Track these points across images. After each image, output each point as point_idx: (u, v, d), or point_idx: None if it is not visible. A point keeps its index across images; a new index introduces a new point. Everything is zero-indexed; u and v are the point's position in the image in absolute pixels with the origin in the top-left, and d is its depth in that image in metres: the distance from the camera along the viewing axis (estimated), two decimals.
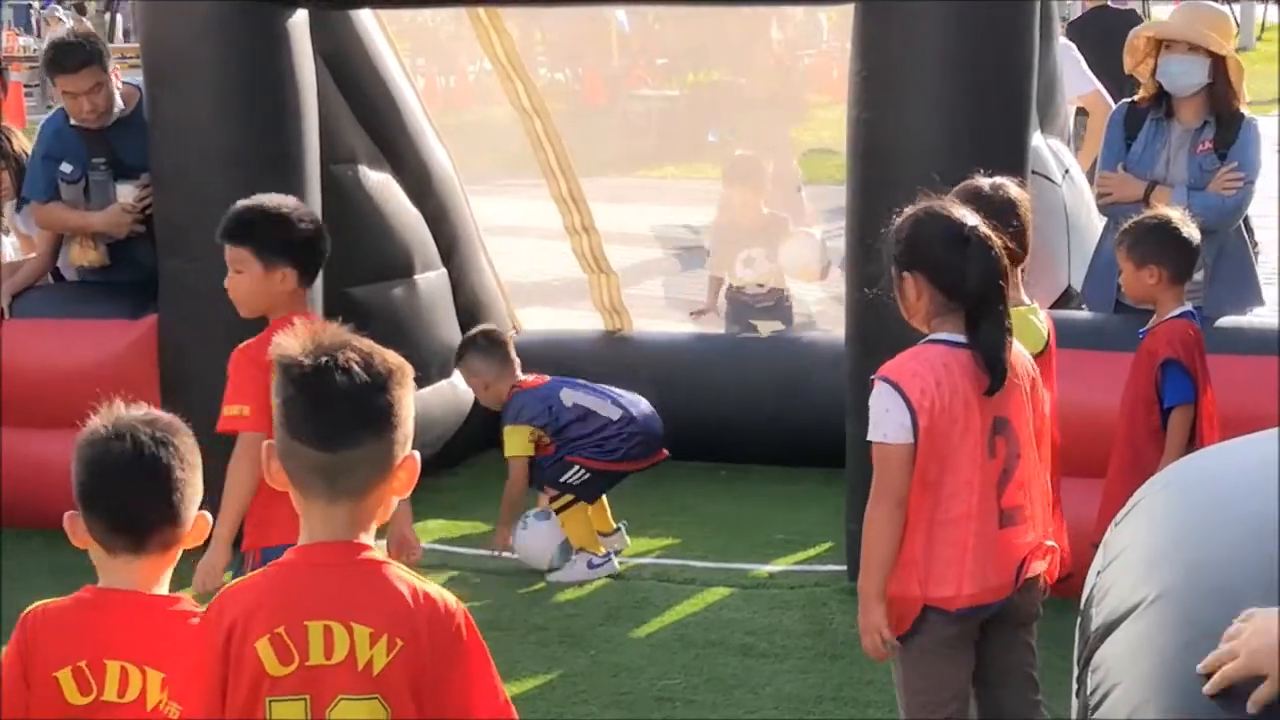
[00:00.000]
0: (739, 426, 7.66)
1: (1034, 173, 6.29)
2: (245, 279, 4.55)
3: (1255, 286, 6.40)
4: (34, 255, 7.32)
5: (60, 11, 24.91)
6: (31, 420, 6.82)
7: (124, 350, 6.80)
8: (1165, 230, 5.13)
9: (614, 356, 7.84)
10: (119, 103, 6.91)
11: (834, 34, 20.40)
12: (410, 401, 2.76)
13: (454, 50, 18.36)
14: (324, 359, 2.67)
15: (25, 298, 7.07)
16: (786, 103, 16.25)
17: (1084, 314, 6.42)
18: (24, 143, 7.50)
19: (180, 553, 3.03)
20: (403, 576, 2.72)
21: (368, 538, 2.74)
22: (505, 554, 6.55)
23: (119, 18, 25.72)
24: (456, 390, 7.37)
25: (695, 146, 16.69)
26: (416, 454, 2.77)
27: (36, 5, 27.35)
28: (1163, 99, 6.31)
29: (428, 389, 7.40)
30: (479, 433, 7.58)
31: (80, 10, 25.51)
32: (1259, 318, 6.29)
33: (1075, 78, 8.24)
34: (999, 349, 3.92)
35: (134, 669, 2.90)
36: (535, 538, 6.46)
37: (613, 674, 5.50)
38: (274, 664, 2.64)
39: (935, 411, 3.87)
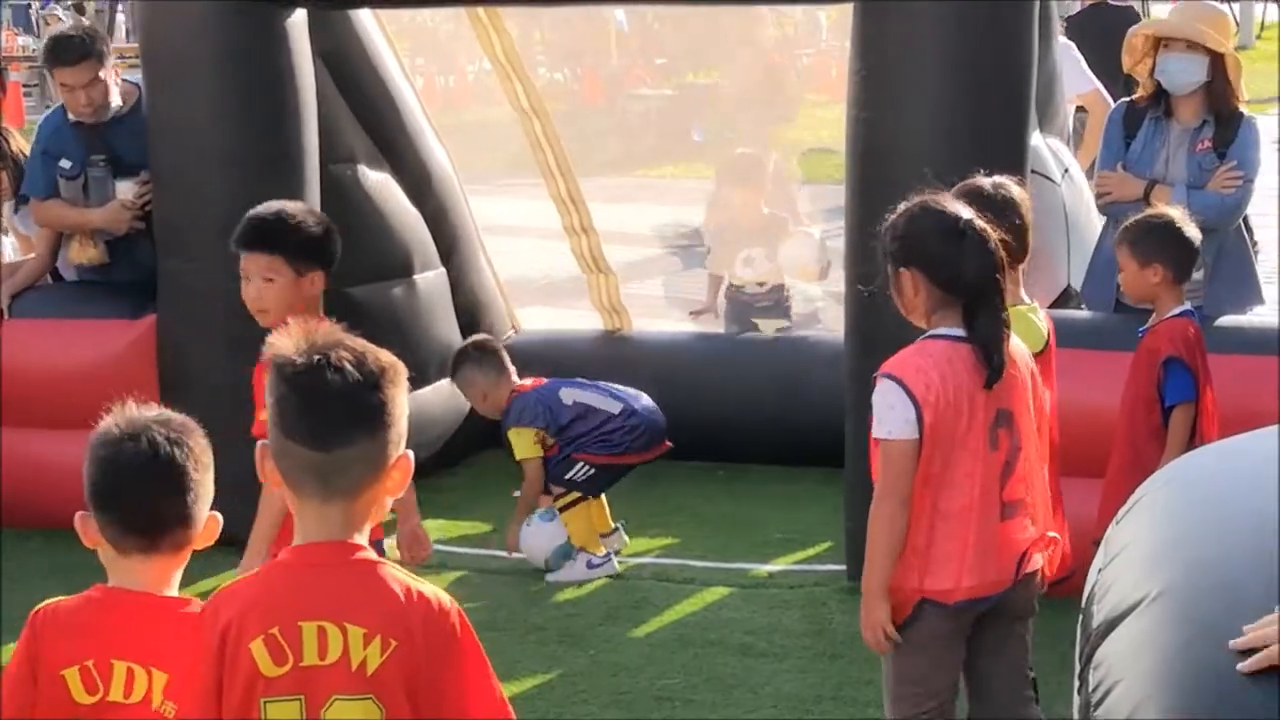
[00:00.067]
0: (738, 426, 7.65)
1: (1033, 172, 6.29)
2: (277, 286, 4.46)
3: (1255, 285, 6.40)
4: (33, 255, 7.32)
5: (60, 11, 24.92)
6: (31, 420, 6.82)
7: (123, 350, 6.80)
8: (1169, 229, 5.13)
9: (613, 356, 7.84)
10: (116, 100, 6.91)
11: (833, 33, 20.41)
12: (404, 401, 2.75)
13: (453, 50, 18.36)
14: (317, 358, 2.67)
15: (24, 298, 7.06)
16: (771, 102, 16.28)
17: (1083, 313, 6.42)
18: (22, 143, 7.50)
19: (190, 553, 3.04)
20: (397, 576, 2.72)
21: (362, 538, 2.74)
22: (516, 554, 6.55)
23: (120, 17, 25.72)
24: (455, 390, 7.37)
25: (684, 146, 16.70)
26: (410, 453, 2.76)
27: (36, 5, 27.35)
28: (1161, 98, 6.31)
29: (427, 389, 7.40)
30: (478, 432, 7.57)
31: (79, 10, 25.50)
32: (1259, 317, 6.29)
33: (1075, 77, 8.24)
34: (997, 341, 3.92)
35: (140, 670, 2.91)
36: (537, 537, 6.47)
37: (612, 673, 5.50)
38: (268, 665, 2.64)
39: (940, 406, 3.87)
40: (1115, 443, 5.19)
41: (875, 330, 5.64)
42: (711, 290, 8.55)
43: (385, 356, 2.74)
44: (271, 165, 6.55)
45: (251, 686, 2.65)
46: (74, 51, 6.79)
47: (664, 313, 9.78)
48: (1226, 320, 6.00)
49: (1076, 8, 11.64)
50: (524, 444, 6.50)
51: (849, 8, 6.16)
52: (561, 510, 6.46)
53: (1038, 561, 4.09)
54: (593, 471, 6.46)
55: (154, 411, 3.01)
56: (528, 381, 6.68)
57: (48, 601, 3.00)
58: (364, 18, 7.51)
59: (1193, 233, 5.16)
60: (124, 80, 7.01)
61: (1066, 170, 7.12)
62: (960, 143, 5.78)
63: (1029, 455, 4.04)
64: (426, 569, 5.56)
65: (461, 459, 7.75)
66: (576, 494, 6.48)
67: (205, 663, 2.68)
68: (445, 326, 7.84)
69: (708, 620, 5.97)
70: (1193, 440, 4.99)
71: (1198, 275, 5.69)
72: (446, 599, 2.73)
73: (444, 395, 7.44)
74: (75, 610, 2.96)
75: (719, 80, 18.71)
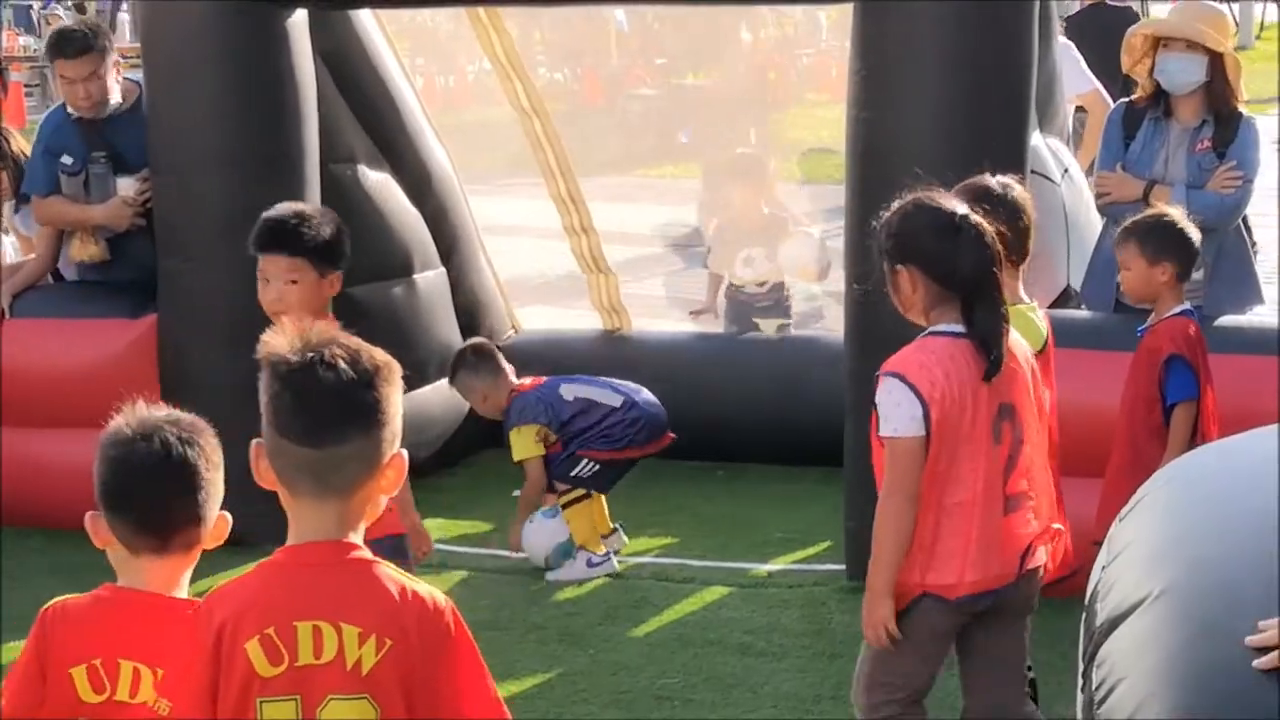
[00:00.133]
0: (738, 426, 7.65)
1: (1033, 172, 6.29)
2: (300, 288, 4.43)
3: (1255, 285, 6.40)
4: (34, 256, 7.32)
5: (60, 11, 24.91)
6: (31, 420, 6.82)
7: (124, 350, 6.80)
8: (1176, 228, 5.16)
9: (613, 356, 7.84)
10: (116, 97, 6.91)
11: (833, 33, 20.43)
12: (398, 399, 2.75)
13: (453, 50, 18.37)
14: (311, 356, 2.67)
15: (25, 297, 7.06)
16: (754, 103, 16.33)
17: (1083, 313, 6.42)
18: (23, 144, 7.50)
19: (200, 553, 3.04)
20: (391, 575, 2.72)
21: (357, 536, 2.74)
22: (518, 554, 6.56)
23: (122, 16, 25.70)
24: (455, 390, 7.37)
25: (681, 146, 16.71)
26: (404, 452, 2.76)
27: (37, 5, 27.34)
28: (1161, 98, 6.30)
29: (427, 388, 7.40)
30: (478, 432, 7.57)
31: (80, 10, 25.49)
32: (1258, 317, 6.29)
33: (1074, 77, 8.24)
34: (996, 335, 3.93)
35: (146, 670, 2.92)
36: (538, 534, 6.47)
37: (612, 673, 5.50)
38: (264, 665, 2.65)
39: (946, 403, 3.87)
40: (1115, 442, 5.19)
41: (875, 330, 5.64)
42: (712, 290, 8.55)
43: (379, 354, 2.74)
44: (271, 165, 6.55)
45: (247, 686, 2.65)
46: (75, 44, 6.80)
47: (664, 312, 9.78)
48: (1226, 320, 6.00)
49: (1076, 8, 11.64)
50: (524, 444, 6.50)
51: (849, 8, 6.16)
52: (565, 507, 6.46)
53: (1041, 557, 4.10)
54: (598, 467, 6.47)
55: (164, 412, 3.02)
56: (527, 381, 6.69)
57: (57, 599, 3.00)
58: (364, 18, 7.51)
59: (1195, 233, 5.18)
60: (125, 78, 7.01)
61: (1066, 170, 7.12)
62: (960, 143, 5.78)
63: (1031, 448, 4.05)
64: (426, 568, 5.57)
65: (461, 458, 7.76)
66: (580, 491, 6.49)
67: (200, 663, 2.68)
68: (445, 326, 7.84)
69: (707, 620, 5.97)
70: (1193, 439, 4.99)
71: (1197, 275, 5.69)
72: (441, 598, 2.73)
73: (443, 395, 7.44)
74: (85, 609, 2.97)
75: (704, 81, 18.76)
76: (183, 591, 3.01)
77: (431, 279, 7.83)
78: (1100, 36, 9.10)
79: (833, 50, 20.06)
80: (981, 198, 4.40)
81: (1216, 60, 6.19)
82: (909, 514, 3.91)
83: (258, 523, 3.32)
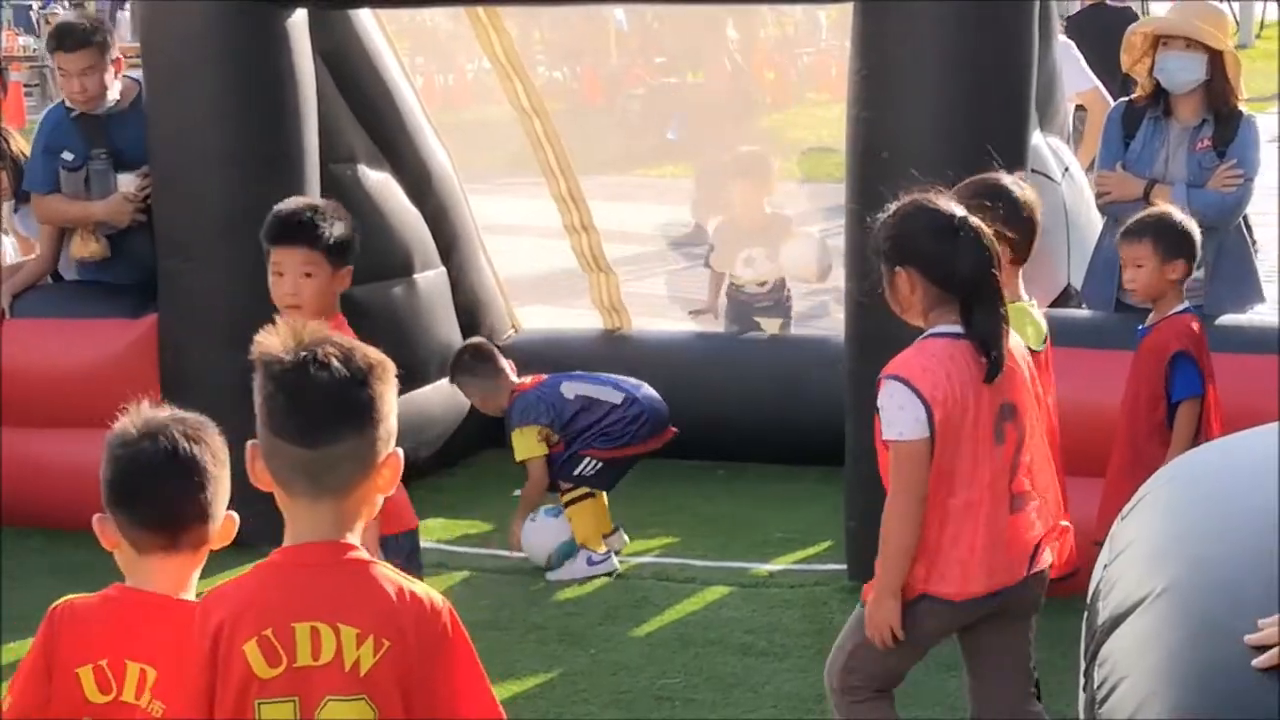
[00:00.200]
0: (738, 425, 7.65)
1: (1033, 171, 6.29)
2: (315, 281, 4.42)
3: (1256, 284, 6.39)
4: (34, 256, 7.32)
5: (60, 11, 24.90)
6: (33, 420, 6.82)
7: (124, 350, 6.80)
8: (1187, 227, 5.18)
9: (613, 355, 7.83)
10: (114, 94, 6.90)
11: (833, 32, 20.45)
12: (392, 398, 2.75)
13: (453, 49, 18.40)
14: (304, 355, 2.67)
15: (25, 298, 7.05)
16: (737, 102, 16.36)
17: (1083, 312, 6.42)
18: (22, 144, 7.50)
19: (208, 553, 3.04)
20: (389, 576, 2.72)
21: (353, 537, 2.74)
22: (518, 554, 6.55)
23: (123, 15, 25.69)
24: (455, 389, 7.37)
25: (670, 146, 16.74)
26: (400, 451, 2.76)
27: (36, 5, 27.33)
28: (1160, 97, 6.30)
29: (427, 388, 7.40)
30: (478, 432, 7.58)
31: (80, 9, 25.47)
32: (1259, 315, 6.29)
33: (1075, 75, 8.23)
34: (995, 336, 3.92)
35: (153, 671, 2.92)
36: (541, 533, 6.46)
37: (612, 673, 5.50)
38: (262, 666, 2.64)
39: (949, 404, 3.87)
40: (1116, 441, 5.19)
41: (875, 330, 5.64)
42: (713, 288, 8.55)
43: (373, 353, 2.74)
44: (271, 165, 6.55)
45: (245, 688, 2.65)
46: (75, 37, 6.81)
47: (663, 311, 9.78)
48: (1227, 319, 6.00)
49: (1076, 8, 11.65)
50: (526, 444, 6.50)
51: (849, 7, 6.16)
52: (567, 505, 6.46)
53: (1047, 558, 4.10)
54: (601, 465, 6.47)
55: (168, 411, 3.03)
56: (527, 379, 6.69)
57: (66, 598, 3.01)
58: (364, 17, 7.51)
59: (1198, 232, 5.21)
60: (126, 77, 7.00)
61: (1067, 169, 7.12)
62: (960, 143, 5.78)
63: (1033, 446, 4.05)
64: (427, 568, 5.56)
65: (461, 458, 7.75)
66: (584, 490, 6.48)
67: (197, 665, 2.68)
68: (445, 326, 7.84)
69: (708, 619, 5.97)
70: (1197, 437, 4.99)
71: (1198, 274, 5.69)
72: (439, 599, 2.73)
73: (444, 394, 7.44)
74: (93, 609, 2.97)
75: (690, 79, 18.78)
76: (191, 592, 3.01)
77: (432, 278, 7.83)
78: (1100, 37, 9.10)
79: (833, 49, 20.09)
80: (993, 194, 4.39)
81: (1216, 58, 6.19)
82: (916, 516, 3.91)
83: (255, 524, 3.31)
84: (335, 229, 4.45)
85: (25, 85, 22.11)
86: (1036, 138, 6.59)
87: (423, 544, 5.03)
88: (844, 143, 6.18)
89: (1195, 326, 5.13)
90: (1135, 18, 9.76)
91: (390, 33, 7.81)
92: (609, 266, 8.23)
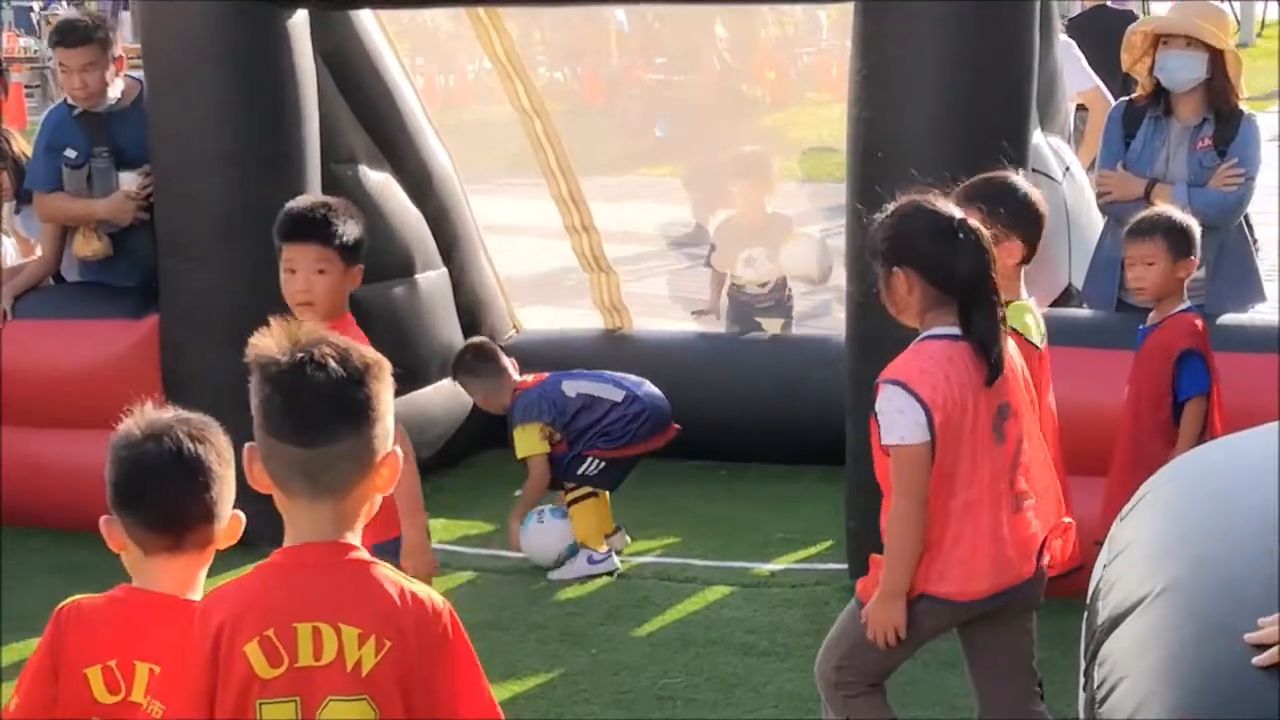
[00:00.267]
0: (739, 425, 7.65)
1: (1034, 171, 6.29)
2: (328, 279, 4.41)
3: (1257, 283, 6.39)
4: (36, 257, 7.32)
5: (60, 11, 24.90)
6: (34, 420, 6.83)
7: (126, 351, 6.80)
8: (1194, 227, 5.19)
9: (614, 355, 7.84)
10: (115, 92, 6.90)
11: (833, 32, 20.45)
12: (388, 397, 2.75)
13: (453, 50, 18.40)
14: (300, 356, 2.67)
15: (26, 299, 7.05)
16: (726, 100, 16.35)
17: (1084, 312, 6.42)
18: (24, 145, 7.50)
19: (214, 553, 3.05)
20: (390, 577, 2.72)
21: (354, 537, 2.74)
22: (518, 553, 6.55)
23: (124, 14, 25.70)
24: (457, 389, 7.38)
25: (671, 146, 16.73)
26: (399, 450, 2.76)
27: (37, 7, 27.34)
28: (1161, 96, 6.30)
29: (428, 388, 7.40)
30: (479, 431, 7.58)
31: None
32: (1260, 314, 6.29)
33: (1075, 74, 8.23)
34: (994, 339, 3.92)
35: (161, 671, 2.91)
36: (546, 534, 6.46)
37: (613, 673, 5.50)
38: (264, 666, 2.64)
39: (949, 406, 3.87)
40: (1118, 440, 5.18)
41: (876, 330, 5.63)
42: (715, 288, 8.55)
43: (369, 353, 2.74)
44: (272, 165, 6.55)
45: (246, 689, 2.65)
46: (76, 34, 6.82)
47: (664, 311, 9.79)
48: (1228, 318, 6.00)
49: (1077, 9, 11.65)
50: (527, 442, 6.50)
51: (849, 7, 6.16)
52: (571, 505, 6.46)
53: (1047, 558, 4.10)
54: (603, 465, 6.48)
55: (172, 412, 3.03)
56: (529, 378, 6.69)
57: (73, 598, 3.01)
58: (364, 18, 7.51)
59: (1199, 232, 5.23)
60: (128, 76, 7.00)
61: (1068, 169, 7.11)
62: (960, 143, 5.78)
63: (1030, 446, 4.05)
64: None
65: (462, 458, 7.75)
66: (588, 489, 6.49)
67: (197, 666, 2.68)
68: (446, 326, 7.84)
69: (709, 619, 5.97)
70: (1202, 435, 5.00)
71: (1199, 273, 5.69)
72: (439, 600, 2.73)
73: (445, 395, 7.45)
74: (100, 609, 2.98)
75: (678, 78, 18.77)
76: (198, 593, 3.01)
77: (433, 279, 7.83)
78: (1101, 38, 9.10)
79: (833, 49, 20.08)
80: (1000, 193, 4.39)
81: (1217, 57, 6.19)
82: (919, 518, 3.91)
83: (256, 524, 3.31)
84: (349, 227, 4.45)
85: (26, 86, 22.13)
86: (1037, 137, 6.59)
87: None
88: (845, 142, 6.18)
89: (1199, 325, 5.13)
90: (1136, 20, 9.76)
91: (391, 33, 7.82)
92: (610, 266, 8.24)
